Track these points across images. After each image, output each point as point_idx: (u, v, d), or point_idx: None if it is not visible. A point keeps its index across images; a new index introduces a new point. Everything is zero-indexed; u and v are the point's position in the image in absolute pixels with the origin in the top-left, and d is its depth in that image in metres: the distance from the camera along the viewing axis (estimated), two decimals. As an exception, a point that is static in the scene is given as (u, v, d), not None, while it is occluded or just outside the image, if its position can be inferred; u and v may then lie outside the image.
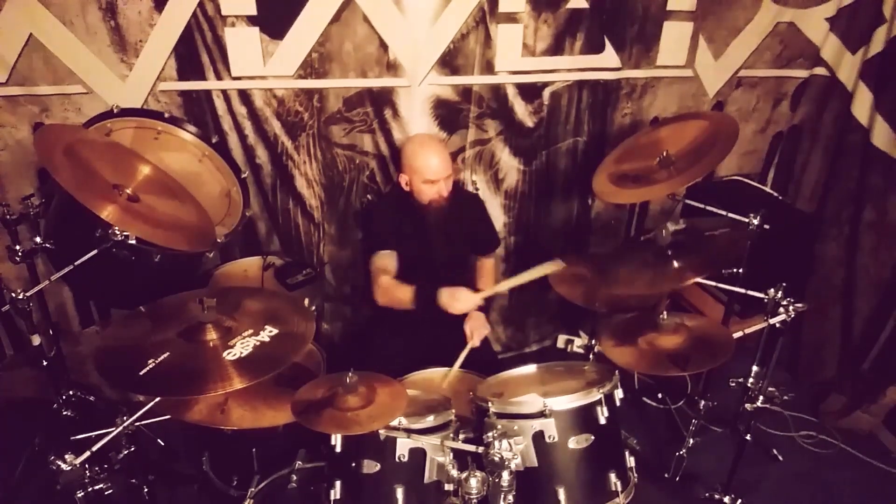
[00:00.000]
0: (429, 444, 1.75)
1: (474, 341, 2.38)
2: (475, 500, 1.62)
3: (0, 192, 2.41)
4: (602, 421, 1.82)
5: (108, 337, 1.81)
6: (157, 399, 1.61)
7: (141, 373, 1.51)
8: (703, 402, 2.54)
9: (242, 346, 1.64)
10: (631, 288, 2.30)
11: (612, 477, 1.83)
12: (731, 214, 2.36)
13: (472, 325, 2.43)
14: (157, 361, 1.55)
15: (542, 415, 1.76)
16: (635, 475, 1.92)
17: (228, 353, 1.61)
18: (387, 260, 2.46)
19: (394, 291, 2.41)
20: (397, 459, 1.74)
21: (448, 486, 1.74)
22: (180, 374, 1.56)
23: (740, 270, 2.32)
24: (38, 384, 2.64)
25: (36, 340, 2.02)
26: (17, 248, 2.06)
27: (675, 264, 2.12)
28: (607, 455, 1.87)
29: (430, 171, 2.35)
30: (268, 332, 1.70)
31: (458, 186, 2.77)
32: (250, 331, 1.70)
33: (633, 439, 2.54)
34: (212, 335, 1.66)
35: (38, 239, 2.01)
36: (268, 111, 2.52)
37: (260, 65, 2.42)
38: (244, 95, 2.47)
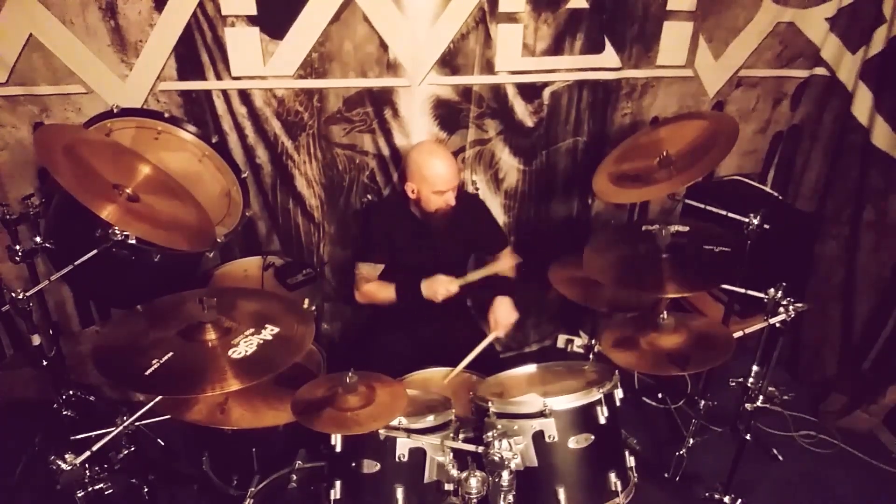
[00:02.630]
0: (429, 443, 1.75)
1: (498, 331, 2.36)
2: (475, 500, 1.62)
3: (0, 192, 2.41)
4: (602, 421, 1.82)
5: (106, 336, 1.80)
6: (158, 399, 1.61)
7: (147, 372, 1.51)
8: (703, 402, 2.54)
9: (247, 345, 1.65)
10: (612, 283, 2.23)
11: (612, 477, 1.83)
12: (731, 214, 2.36)
13: (498, 314, 2.38)
14: (161, 362, 1.54)
15: (542, 415, 1.76)
16: (635, 475, 1.92)
17: (233, 352, 1.62)
18: (372, 272, 2.49)
19: (376, 294, 2.48)
20: (397, 459, 1.74)
21: (448, 486, 1.74)
22: (185, 374, 1.56)
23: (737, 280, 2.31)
24: (38, 384, 2.64)
25: (36, 340, 2.02)
26: (17, 248, 2.06)
27: (665, 273, 2.08)
28: (607, 455, 1.87)
29: (441, 182, 2.33)
30: (269, 331, 1.70)
31: (459, 189, 2.76)
32: (251, 330, 1.70)
33: (633, 439, 2.54)
34: (212, 335, 1.66)
35: (38, 239, 2.01)
36: (268, 111, 2.52)
37: (260, 65, 2.42)
38: (244, 95, 2.47)
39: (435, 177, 2.33)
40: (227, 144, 2.49)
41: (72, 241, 1.97)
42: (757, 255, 2.30)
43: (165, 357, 1.56)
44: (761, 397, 2.08)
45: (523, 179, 2.95)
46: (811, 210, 3.09)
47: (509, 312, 2.40)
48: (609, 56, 2.77)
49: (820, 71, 3.01)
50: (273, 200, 2.71)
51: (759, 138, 3.25)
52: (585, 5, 2.61)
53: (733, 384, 2.17)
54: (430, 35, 2.51)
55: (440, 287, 2.34)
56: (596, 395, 1.83)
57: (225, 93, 2.45)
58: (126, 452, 1.66)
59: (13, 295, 1.80)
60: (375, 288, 2.48)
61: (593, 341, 2.65)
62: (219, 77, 2.41)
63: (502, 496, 1.61)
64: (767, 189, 3.25)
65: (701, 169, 2.31)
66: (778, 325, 1.96)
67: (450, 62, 2.59)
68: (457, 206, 2.44)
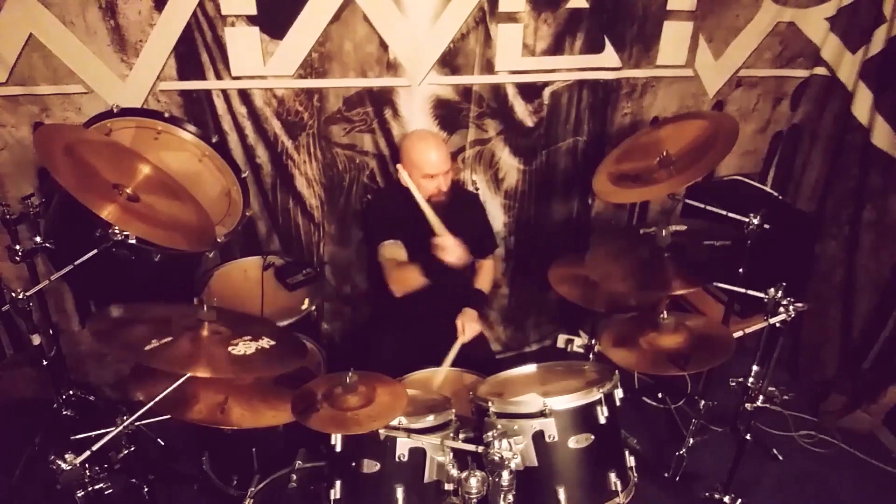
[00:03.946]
0: (429, 443, 1.75)
1: (465, 336, 2.39)
2: (475, 500, 1.62)
3: (0, 192, 2.41)
4: (602, 420, 1.82)
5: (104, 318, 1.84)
6: (158, 398, 1.61)
7: (146, 348, 1.57)
8: (703, 402, 2.54)
9: (245, 346, 1.68)
10: (622, 286, 2.28)
11: (612, 476, 1.83)
12: (731, 214, 2.36)
13: (464, 320, 2.44)
14: (160, 342, 1.59)
15: (542, 414, 1.76)
16: (635, 475, 1.92)
17: (233, 349, 1.66)
18: (395, 250, 2.41)
19: (405, 275, 2.34)
20: (397, 459, 1.74)
21: (448, 486, 1.74)
22: (183, 355, 1.62)
23: (740, 270, 2.32)
24: (38, 384, 2.64)
25: (36, 340, 2.02)
26: (17, 247, 2.06)
27: (669, 271, 2.10)
28: (607, 455, 1.87)
29: (429, 166, 2.35)
30: (266, 342, 1.75)
31: (458, 186, 2.77)
32: (249, 336, 1.73)
33: (633, 439, 2.54)
34: (211, 332, 1.69)
35: (38, 238, 2.02)
36: (268, 111, 2.52)
37: (260, 64, 2.42)
38: (244, 95, 2.47)
39: (423, 161, 2.35)
40: (227, 144, 2.49)
41: (72, 241, 1.97)
42: (757, 255, 2.30)
43: (165, 340, 1.61)
44: (761, 397, 2.08)
45: (523, 179, 2.95)
46: (811, 210, 3.09)
47: (475, 320, 2.46)
48: (609, 56, 2.77)
49: (820, 71, 3.01)
50: (273, 200, 2.71)
51: (759, 138, 3.25)
52: (585, 5, 2.61)
53: (733, 384, 2.16)
54: (430, 35, 2.51)
55: (454, 255, 2.23)
56: (596, 394, 1.83)
57: (225, 93, 2.45)
58: (126, 452, 1.65)
59: (13, 295, 1.80)
60: (402, 269, 2.35)
61: (593, 341, 2.65)
62: (219, 77, 2.41)
63: (502, 496, 1.61)
64: (767, 189, 3.24)
65: (701, 169, 2.31)
66: (778, 325, 1.96)
67: (450, 62, 2.59)
68: (456, 201, 2.45)
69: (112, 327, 1.72)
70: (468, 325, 2.42)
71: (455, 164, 2.67)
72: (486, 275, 2.73)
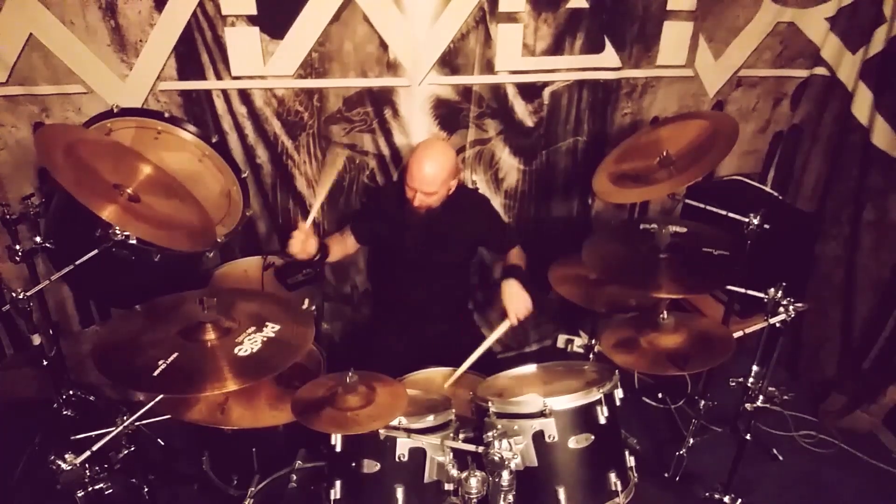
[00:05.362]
0: (429, 443, 1.75)
1: (512, 319, 2.24)
2: (475, 500, 1.62)
3: (0, 192, 2.41)
4: (602, 420, 1.82)
5: (105, 337, 1.78)
6: (158, 399, 1.61)
7: (154, 374, 1.51)
8: (703, 402, 2.54)
9: (251, 343, 1.65)
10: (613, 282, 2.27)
11: (612, 476, 1.83)
12: (731, 214, 2.36)
13: (510, 301, 2.27)
14: (167, 362, 1.54)
15: (542, 414, 1.76)
16: (635, 475, 1.92)
17: (239, 350, 1.62)
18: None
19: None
20: (397, 459, 1.75)
21: (448, 486, 1.74)
22: (195, 373, 1.56)
23: (731, 287, 2.30)
24: (38, 384, 2.64)
25: (36, 340, 2.02)
26: (17, 247, 2.06)
27: (664, 274, 2.08)
28: (607, 455, 1.87)
29: (409, 175, 2.30)
30: (271, 329, 1.71)
31: (464, 189, 2.72)
32: (253, 328, 1.70)
33: (633, 439, 2.54)
34: (213, 334, 1.66)
35: (38, 239, 2.02)
36: (268, 111, 2.52)
37: (260, 64, 2.42)
38: (244, 95, 2.47)
39: (410, 166, 2.31)
40: (227, 144, 2.49)
41: (72, 241, 1.98)
42: (757, 255, 2.30)
43: (171, 357, 1.56)
44: (761, 397, 2.08)
45: (523, 179, 2.95)
46: (811, 210, 3.09)
47: (522, 297, 2.26)
48: (609, 56, 2.77)
49: (820, 71, 3.01)
50: (273, 200, 2.71)
51: (759, 138, 3.25)
52: (585, 5, 2.61)
53: (733, 384, 2.17)
54: (430, 35, 2.51)
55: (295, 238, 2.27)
56: (596, 394, 1.83)
57: (225, 92, 2.45)
58: (126, 452, 1.65)
59: (13, 295, 1.80)
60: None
61: (593, 341, 2.65)
62: (219, 77, 2.41)
63: (502, 496, 1.61)
64: (767, 189, 3.24)
65: (701, 169, 2.31)
66: (778, 325, 1.96)
67: (450, 62, 2.59)
68: (462, 204, 2.43)
69: (115, 353, 1.64)
70: (518, 302, 2.25)
71: (441, 193, 2.40)
72: (517, 257, 2.56)
